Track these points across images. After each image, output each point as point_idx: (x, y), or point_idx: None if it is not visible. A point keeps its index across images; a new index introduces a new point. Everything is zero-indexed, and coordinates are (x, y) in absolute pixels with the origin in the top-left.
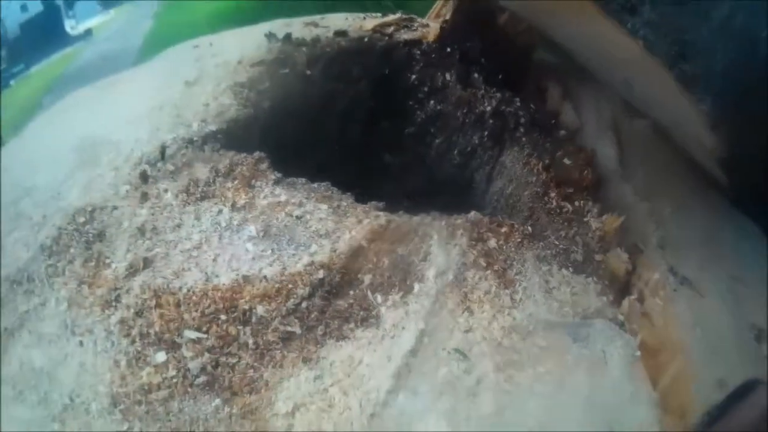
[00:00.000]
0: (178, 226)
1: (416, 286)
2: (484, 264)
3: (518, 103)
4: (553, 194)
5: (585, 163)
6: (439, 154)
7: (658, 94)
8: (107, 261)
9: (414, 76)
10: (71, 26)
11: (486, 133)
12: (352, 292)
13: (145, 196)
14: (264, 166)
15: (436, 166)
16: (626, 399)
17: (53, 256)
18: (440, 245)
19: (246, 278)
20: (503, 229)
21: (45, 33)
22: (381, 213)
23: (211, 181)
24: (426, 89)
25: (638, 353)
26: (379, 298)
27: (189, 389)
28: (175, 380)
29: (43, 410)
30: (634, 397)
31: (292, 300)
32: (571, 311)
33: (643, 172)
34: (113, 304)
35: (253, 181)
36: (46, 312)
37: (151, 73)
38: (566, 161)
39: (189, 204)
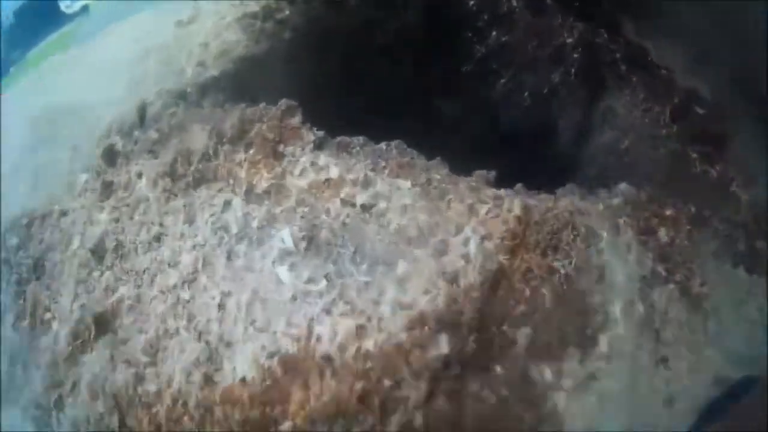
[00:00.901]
0: (157, 238)
1: (601, 339)
2: (664, 273)
3: (606, 35)
4: (694, 155)
5: (720, 112)
6: (504, 96)
7: None
8: (46, 317)
9: (471, 2)
10: (66, 5)
11: (572, 69)
12: (499, 368)
13: (108, 189)
14: (296, 120)
15: (502, 112)
16: None
17: None
18: (612, 249)
19: (287, 362)
20: (668, 212)
21: (40, 16)
22: (502, 192)
23: (210, 152)
24: (486, 17)
25: None
26: (549, 373)
27: None
28: None
29: None
30: None
31: (396, 414)
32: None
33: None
34: None
35: (281, 145)
36: None
37: (138, 23)
38: (698, 109)
39: (175, 196)
